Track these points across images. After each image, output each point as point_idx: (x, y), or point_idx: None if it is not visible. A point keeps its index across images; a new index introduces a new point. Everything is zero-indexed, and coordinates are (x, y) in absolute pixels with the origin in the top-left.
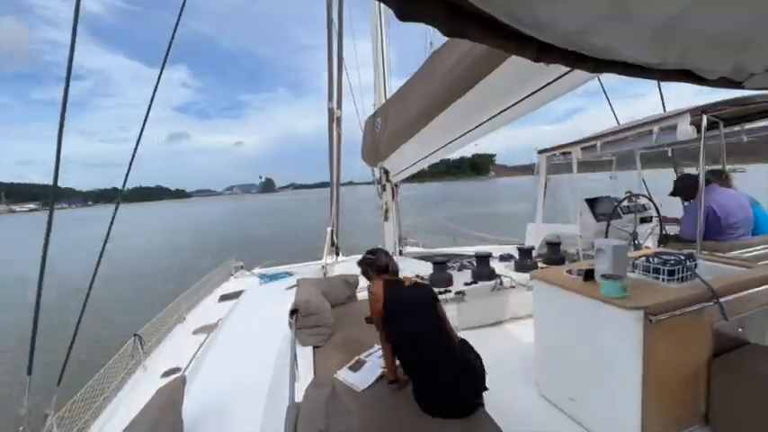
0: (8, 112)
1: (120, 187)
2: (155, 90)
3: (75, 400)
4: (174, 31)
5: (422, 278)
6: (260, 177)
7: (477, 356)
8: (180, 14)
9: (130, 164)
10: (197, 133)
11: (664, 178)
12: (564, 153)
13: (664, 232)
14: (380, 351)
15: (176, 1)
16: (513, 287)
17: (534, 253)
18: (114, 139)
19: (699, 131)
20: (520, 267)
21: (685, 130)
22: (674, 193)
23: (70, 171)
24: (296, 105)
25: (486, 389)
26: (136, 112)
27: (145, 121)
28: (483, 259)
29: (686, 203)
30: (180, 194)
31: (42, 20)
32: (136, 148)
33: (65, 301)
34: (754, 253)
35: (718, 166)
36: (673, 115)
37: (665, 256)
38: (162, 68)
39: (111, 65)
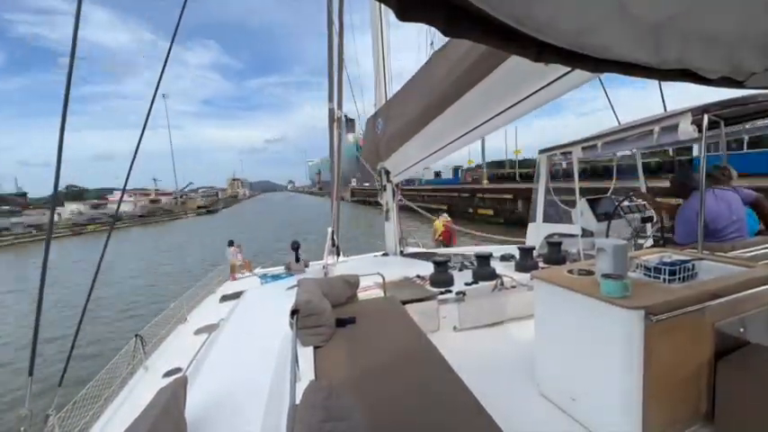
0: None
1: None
2: (159, 80)
3: (77, 400)
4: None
5: (423, 278)
6: None
7: None
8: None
9: (132, 162)
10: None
11: None
12: (564, 153)
13: (665, 234)
14: None
15: None
16: (514, 287)
17: (535, 253)
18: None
19: (700, 131)
20: (520, 267)
21: (686, 129)
22: (673, 193)
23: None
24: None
25: None
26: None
27: (148, 115)
28: (483, 259)
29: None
30: None
31: None
32: (138, 145)
33: None
34: (756, 252)
35: None
36: (674, 115)
37: (666, 256)
38: (166, 58)
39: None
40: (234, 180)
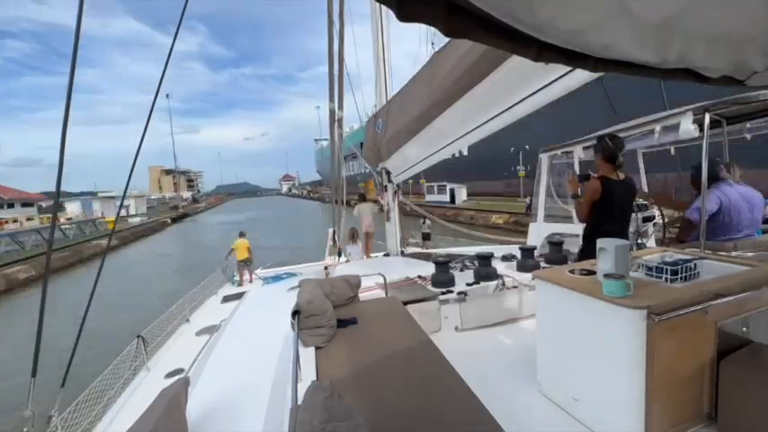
0: None
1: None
2: (161, 80)
3: (79, 401)
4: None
5: (424, 278)
6: None
7: None
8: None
9: (135, 159)
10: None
11: None
12: (565, 152)
13: (667, 234)
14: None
15: None
16: (516, 287)
17: (536, 253)
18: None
19: (701, 130)
20: (522, 267)
21: (688, 128)
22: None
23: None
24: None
25: None
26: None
27: (151, 109)
28: (485, 259)
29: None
30: None
31: None
32: (141, 141)
33: None
34: (758, 252)
35: None
36: (675, 114)
37: (667, 256)
38: (167, 59)
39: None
40: (166, 172)
